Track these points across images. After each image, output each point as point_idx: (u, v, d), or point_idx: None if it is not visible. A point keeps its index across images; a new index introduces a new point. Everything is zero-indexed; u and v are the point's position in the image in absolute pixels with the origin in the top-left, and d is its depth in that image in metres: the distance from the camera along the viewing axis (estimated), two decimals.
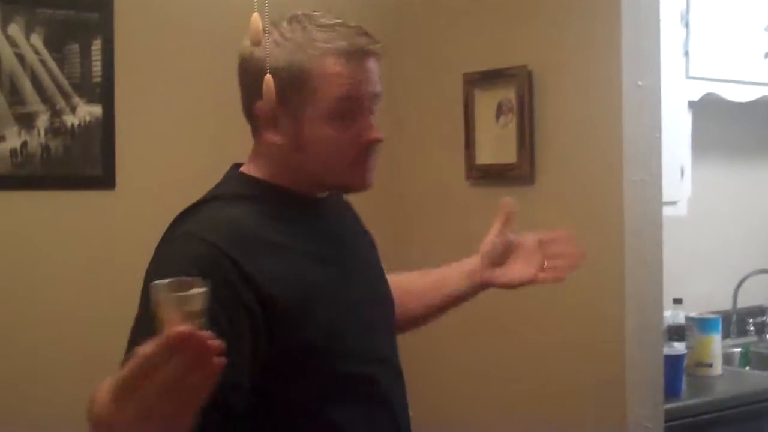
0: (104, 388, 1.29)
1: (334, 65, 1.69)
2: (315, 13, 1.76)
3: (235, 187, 1.82)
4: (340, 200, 1.96)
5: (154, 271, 1.62)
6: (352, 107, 1.72)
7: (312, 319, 1.67)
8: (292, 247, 1.72)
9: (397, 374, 1.88)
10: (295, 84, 1.69)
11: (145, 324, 1.44)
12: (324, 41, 1.70)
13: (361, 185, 1.80)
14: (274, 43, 1.68)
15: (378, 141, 1.75)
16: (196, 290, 1.25)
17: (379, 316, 1.89)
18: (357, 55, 1.71)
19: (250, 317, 1.60)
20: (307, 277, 1.70)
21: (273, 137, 1.75)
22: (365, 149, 1.75)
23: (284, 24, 1.73)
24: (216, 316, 1.35)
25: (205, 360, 1.20)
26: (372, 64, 1.74)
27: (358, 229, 2.00)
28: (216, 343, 1.20)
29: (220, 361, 1.21)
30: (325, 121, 1.71)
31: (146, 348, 1.19)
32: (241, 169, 1.84)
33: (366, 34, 1.74)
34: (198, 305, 1.24)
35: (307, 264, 1.72)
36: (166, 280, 1.26)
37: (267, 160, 1.79)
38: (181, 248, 1.68)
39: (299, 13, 1.75)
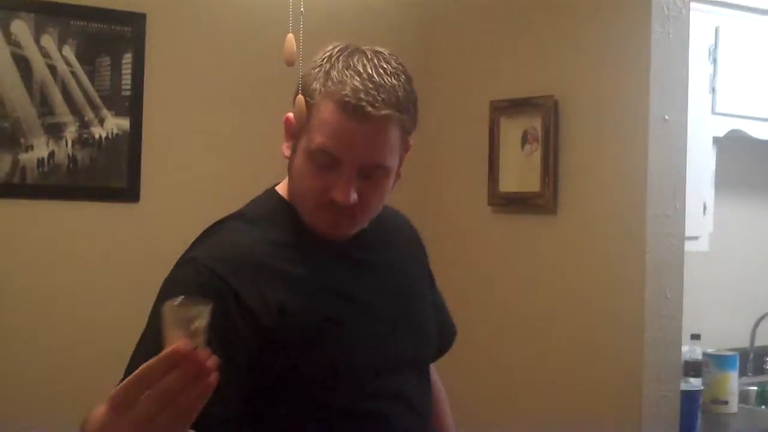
0: (100, 408, 1.31)
1: (328, 111, 1.62)
2: (366, 49, 1.69)
3: (261, 206, 1.82)
4: (389, 225, 1.91)
5: (161, 295, 1.65)
6: (331, 161, 1.64)
7: (313, 353, 1.66)
8: (304, 278, 1.69)
9: (413, 411, 1.81)
10: (304, 104, 1.65)
11: (148, 342, 1.53)
12: (335, 82, 1.63)
13: (326, 234, 1.72)
14: (312, 64, 1.68)
15: (340, 204, 1.65)
16: (199, 308, 1.27)
17: (397, 354, 1.82)
18: (352, 114, 1.60)
19: (246, 349, 1.59)
20: (313, 311, 1.67)
21: (285, 149, 1.75)
22: (329, 204, 1.66)
23: (329, 48, 1.70)
24: (210, 344, 1.31)
25: (200, 377, 1.22)
26: (368, 130, 1.62)
27: (400, 259, 1.92)
28: (212, 362, 1.23)
29: (215, 378, 1.23)
30: (307, 157, 1.67)
31: (147, 362, 1.22)
32: (277, 186, 1.83)
33: (383, 97, 1.62)
34: (200, 323, 1.26)
35: (316, 297, 1.69)
36: (177, 300, 1.28)
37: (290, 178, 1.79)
38: (186, 275, 1.68)
39: (350, 45, 1.70)
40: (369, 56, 1.67)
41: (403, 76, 1.68)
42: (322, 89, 1.63)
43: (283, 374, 1.65)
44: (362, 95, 1.60)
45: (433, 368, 2.06)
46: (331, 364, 1.68)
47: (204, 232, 1.80)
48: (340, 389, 1.70)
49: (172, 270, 1.74)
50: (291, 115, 1.70)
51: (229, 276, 1.62)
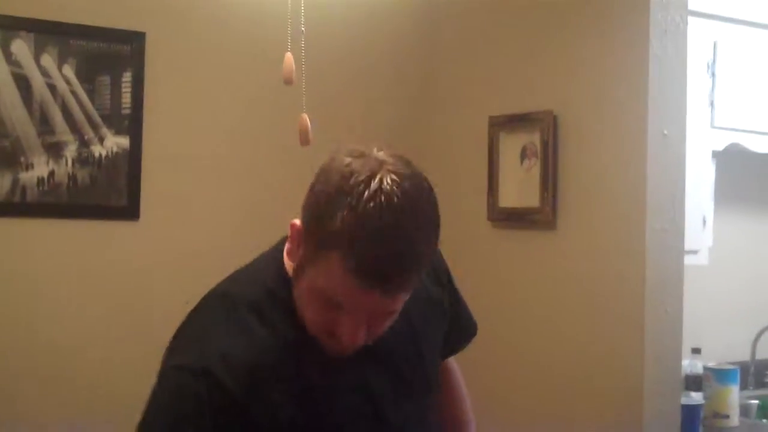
0: None
1: (335, 263, 1.43)
2: (389, 182, 1.45)
3: (260, 284, 1.64)
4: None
5: (148, 417, 1.56)
6: (340, 309, 1.48)
7: None
8: (312, 384, 1.57)
9: None
10: (312, 235, 1.48)
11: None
12: (351, 226, 1.41)
13: (331, 352, 1.57)
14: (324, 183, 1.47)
15: (347, 350, 1.54)
16: None
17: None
18: (370, 284, 1.42)
19: None
20: (323, 420, 1.58)
21: (290, 250, 1.57)
22: (334, 340, 1.53)
23: (348, 160, 1.47)
24: None
25: None
26: (387, 300, 1.47)
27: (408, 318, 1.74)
28: None
29: None
30: (312, 292, 1.50)
31: None
32: (285, 251, 1.61)
33: (406, 266, 1.45)
34: None
35: (327, 404, 1.59)
36: None
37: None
38: (182, 388, 1.53)
39: (371, 169, 1.45)
40: (395, 201, 1.44)
41: (430, 226, 1.53)
42: (337, 227, 1.41)
43: None
44: (377, 262, 1.41)
45: (452, 359, 2.05)
46: None
47: (190, 321, 1.64)
48: None
49: (159, 379, 1.57)
50: (297, 222, 1.52)
51: (236, 387, 1.50)
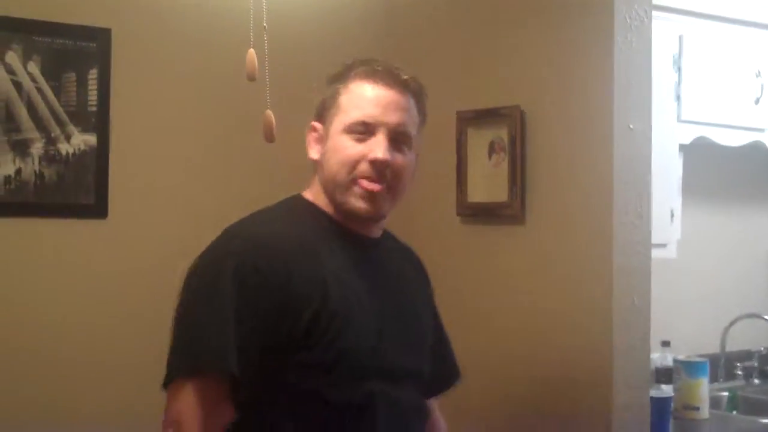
0: None
1: (356, 87, 1.93)
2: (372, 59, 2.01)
3: (288, 206, 2.02)
4: (400, 250, 2.16)
5: (195, 261, 1.89)
6: (366, 126, 1.90)
7: (321, 343, 1.83)
8: (327, 272, 1.87)
9: (403, 416, 1.98)
10: (329, 102, 1.95)
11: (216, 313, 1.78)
12: (358, 68, 1.96)
13: (359, 208, 1.92)
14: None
15: (377, 161, 1.88)
16: None
17: (397, 361, 1.97)
18: (377, 82, 1.92)
19: (260, 316, 1.79)
20: (332, 303, 1.84)
21: (314, 154, 1.98)
22: (367, 168, 1.90)
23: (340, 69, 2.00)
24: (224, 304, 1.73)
25: None
26: (393, 94, 1.93)
27: (410, 281, 2.14)
28: None
29: None
30: (342, 133, 1.92)
31: None
32: (303, 192, 2.03)
33: (396, 73, 1.95)
34: None
35: (335, 291, 1.86)
36: None
37: (315, 184, 2.00)
38: (216, 245, 1.89)
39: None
40: (378, 60, 2.01)
41: (410, 75, 1.99)
42: (348, 74, 1.96)
43: (291, 357, 1.81)
44: (385, 70, 1.96)
45: (435, 406, 2.24)
46: (336, 356, 1.83)
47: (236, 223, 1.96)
48: (339, 383, 1.85)
49: (212, 244, 1.90)
50: (314, 123, 1.98)
51: (253, 251, 1.83)
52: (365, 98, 1.92)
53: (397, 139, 1.93)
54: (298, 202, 2.01)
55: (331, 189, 1.94)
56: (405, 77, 1.96)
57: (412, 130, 1.97)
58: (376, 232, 2.04)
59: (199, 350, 1.78)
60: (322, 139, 1.97)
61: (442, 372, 2.20)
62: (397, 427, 1.94)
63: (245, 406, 1.82)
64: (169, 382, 1.79)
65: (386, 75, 1.94)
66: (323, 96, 1.98)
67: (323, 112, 1.97)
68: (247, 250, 1.83)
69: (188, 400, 1.75)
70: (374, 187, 1.91)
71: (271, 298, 1.79)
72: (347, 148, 1.90)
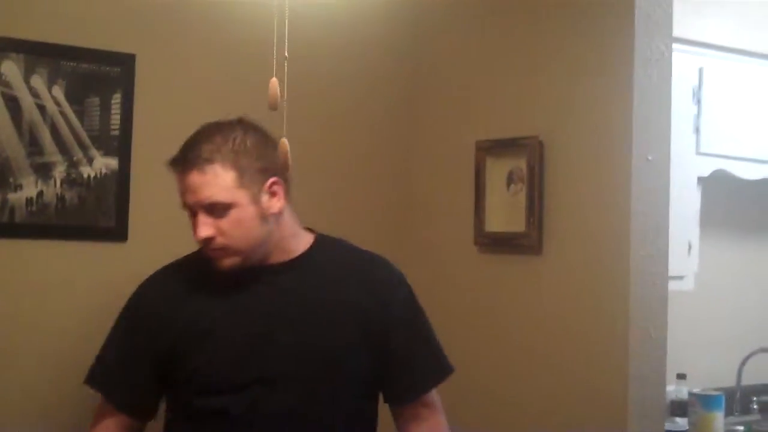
0: None
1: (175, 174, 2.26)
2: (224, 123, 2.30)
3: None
4: (322, 269, 2.36)
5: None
6: (189, 211, 2.24)
7: (184, 359, 2.29)
8: (198, 299, 2.32)
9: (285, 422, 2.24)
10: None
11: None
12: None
13: (215, 267, 2.27)
14: None
15: (198, 240, 2.23)
16: None
17: (273, 368, 2.25)
18: (175, 170, 2.26)
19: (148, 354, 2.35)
20: (194, 323, 2.28)
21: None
22: (199, 243, 2.24)
23: None
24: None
25: None
26: (192, 178, 2.20)
27: (331, 291, 2.33)
28: None
29: None
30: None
31: None
32: None
33: (192, 147, 2.22)
34: None
35: (200, 312, 2.30)
36: None
37: None
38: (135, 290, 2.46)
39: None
40: (206, 127, 2.29)
41: (219, 136, 2.24)
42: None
43: (171, 378, 2.31)
44: (178, 155, 2.24)
45: (436, 409, 2.43)
46: (197, 370, 2.26)
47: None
48: (208, 395, 2.25)
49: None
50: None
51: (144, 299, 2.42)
52: (178, 185, 2.25)
53: (211, 211, 2.20)
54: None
55: None
56: (187, 156, 2.22)
57: (225, 196, 2.18)
58: (276, 259, 2.31)
59: (102, 381, 2.44)
60: None
61: (408, 381, 2.40)
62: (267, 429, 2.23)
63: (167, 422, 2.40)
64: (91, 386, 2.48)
65: (174, 159, 2.25)
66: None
67: None
68: (137, 294, 2.45)
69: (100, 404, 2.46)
70: (212, 254, 2.25)
71: (147, 335, 2.35)
72: (192, 224, 2.27)
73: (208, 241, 2.20)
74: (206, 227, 2.19)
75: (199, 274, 2.32)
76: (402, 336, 2.36)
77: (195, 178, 2.18)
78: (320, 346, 2.27)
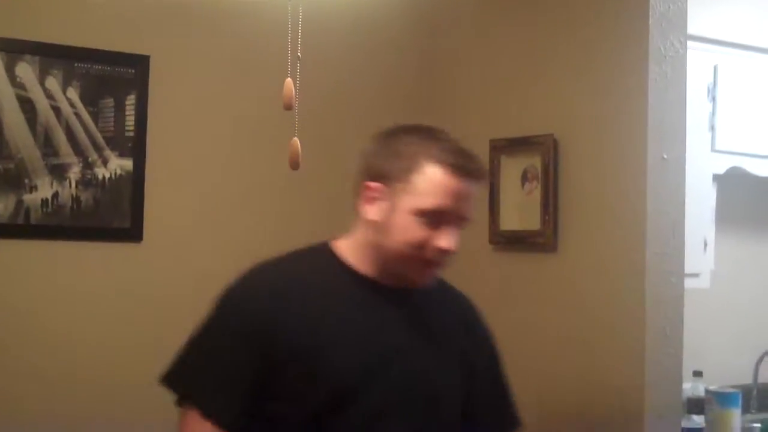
0: None
1: (432, 171, 1.89)
2: (432, 127, 1.99)
3: (309, 256, 2.03)
4: (440, 299, 2.14)
5: (221, 294, 1.96)
6: (438, 215, 1.88)
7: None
8: (333, 320, 1.93)
9: None
10: (397, 173, 1.90)
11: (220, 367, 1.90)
12: (437, 148, 1.91)
13: (417, 281, 1.99)
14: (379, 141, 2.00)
15: (444, 252, 1.91)
16: None
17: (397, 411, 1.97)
18: (454, 173, 1.88)
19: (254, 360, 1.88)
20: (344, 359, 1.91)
21: (371, 214, 1.93)
22: (432, 253, 1.91)
23: (401, 134, 1.98)
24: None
25: None
26: (468, 188, 1.90)
27: (447, 329, 2.13)
28: None
29: None
30: (413, 214, 1.89)
31: None
32: (335, 242, 2.03)
33: (468, 162, 1.91)
34: None
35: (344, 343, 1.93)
36: None
37: (358, 239, 1.99)
38: (232, 287, 1.95)
39: (416, 125, 2.00)
40: (441, 132, 1.99)
41: None
42: (427, 153, 1.91)
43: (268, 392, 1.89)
44: (462, 159, 1.91)
45: None
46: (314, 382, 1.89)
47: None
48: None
49: (236, 282, 1.96)
50: (372, 183, 1.93)
51: (264, 298, 1.92)
52: (441, 187, 1.89)
53: (461, 225, 1.95)
54: (323, 255, 2.02)
55: (385, 257, 1.96)
56: (477, 166, 1.93)
57: (473, 213, 1.98)
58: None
59: (211, 397, 1.91)
60: (382, 204, 1.93)
61: (495, 420, 2.24)
62: None
63: None
64: (182, 400, 1.94)
65: (461, 164, 1.90)
66: (377, 156, 1.97)
67: (384, 178, 1.93)
68: (252, 298, 1.94)
69: (194, 427, 1.90)
70: (430, 270, 1.98)
71: (261, 347, 1.88)
72: (416, 230, 1.90)
73: (448, 255, 1.95)
74: (456, 240, 1.94)
75: (312, 281, 1.98)
76: (495, 376, 2.27)
77: (470, 189, 1.92)
78: (433, 380, 2.06)
